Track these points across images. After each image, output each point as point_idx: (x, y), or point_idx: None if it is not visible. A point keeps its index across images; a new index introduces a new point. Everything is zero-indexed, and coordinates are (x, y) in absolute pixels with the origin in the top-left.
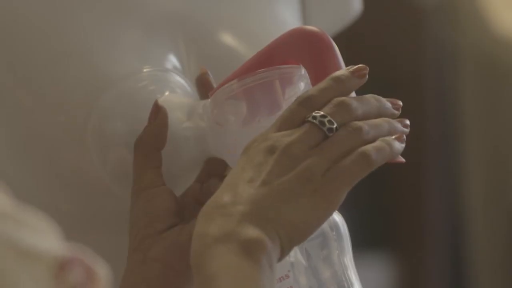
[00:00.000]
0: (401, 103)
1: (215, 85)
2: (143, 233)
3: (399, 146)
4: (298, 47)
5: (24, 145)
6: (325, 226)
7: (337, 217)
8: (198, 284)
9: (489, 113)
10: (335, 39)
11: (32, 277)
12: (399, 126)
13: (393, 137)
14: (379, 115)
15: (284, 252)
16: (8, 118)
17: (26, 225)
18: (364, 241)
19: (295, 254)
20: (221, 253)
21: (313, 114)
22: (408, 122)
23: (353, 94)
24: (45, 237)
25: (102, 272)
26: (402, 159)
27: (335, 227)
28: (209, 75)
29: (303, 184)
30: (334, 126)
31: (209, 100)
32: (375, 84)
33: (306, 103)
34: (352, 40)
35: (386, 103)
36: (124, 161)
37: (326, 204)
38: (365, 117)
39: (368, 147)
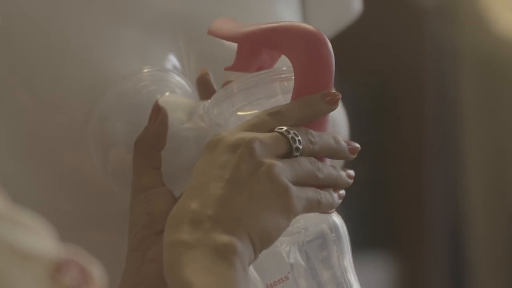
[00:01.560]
0: (358, 146)
1: (215, 85)
2: (142, 233)
3: (337, 202)
4: (293, 41)
5: (24, 145)
6: (324, 227)
7: (336, 219)
8: None
9: (489, 113)
10: (335, 38)
11: (28, 278)
12: (343, 174)
13: (336, 193)
14: (333, 153)
15: (256, 254)
16: (8, 118)
17: (21, 226)
18: (364, 241)
19: (295, 256)
20: (194, 259)
21: (286, 128)
22: (353, 173)
23: (340, 112)
24: (40, 239)
25: (97, 273)
26: (332, 212)
27: (334, 228)
28: (209, 75)
29: (271, 184)
30: (301, 148)
31: (210, 101)
32: (375, 84)
33: (276, 115)
34: (352, 40)
35: (343, 145)
36: (124, 161)
37: (290, 210)
38: (321, 151)
39: (321, 191)
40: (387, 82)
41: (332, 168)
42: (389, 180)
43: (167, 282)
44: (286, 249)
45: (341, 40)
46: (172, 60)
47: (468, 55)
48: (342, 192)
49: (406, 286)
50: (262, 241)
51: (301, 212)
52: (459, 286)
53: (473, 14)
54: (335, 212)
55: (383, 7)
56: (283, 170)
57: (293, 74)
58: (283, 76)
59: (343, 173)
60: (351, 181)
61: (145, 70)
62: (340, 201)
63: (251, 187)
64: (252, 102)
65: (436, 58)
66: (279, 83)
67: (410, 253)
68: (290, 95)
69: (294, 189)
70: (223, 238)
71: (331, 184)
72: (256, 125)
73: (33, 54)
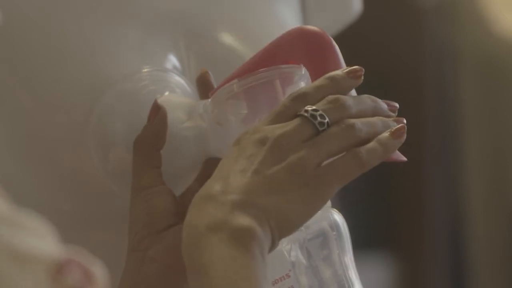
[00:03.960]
0: (397, 105)
1: (215, 85)
2: (142, 233)
3: (394, 143)
4: (298, 47)
5: (24, 145)
6: (325, 225)
7: (337, 216)
8: (190, 274)
9: (489, 113)
10: (335, 39)
11: (30, 280)
12: (394, 125)
13: (388, 132)
14: (374, 115)
15: (274, 243)
16: (8, 118)
17: (22, 228)
18: (364, 241)
19: (296, 254)
20: (213, 243)
21: (305, 108)
22: (405, 121)
23: (354, 94)
24: (42, 240)
25: (100, 273)
26: (403, 158)
27: (335, 226)
28: (209, 75)
29: (294, 176)
30: (326, 121)
31: (210, 100)
32: (375, 84)
33: (300, 98)
34: (352, 40)
35: (382, 104)
36: (124, 161)
37: (315, 198)
38: (360, 116)
39: (361, 148)
40: (387, 82)
41: (379, 120)
42: (389, 180)
43: (184, 263)
44: (287, 247)
45: (341, 40)
46: (172, 60)
47: (468, 55)
48: (399, 128)
49: (406, 286)
50: (282, 230)
51: (335, 191)
52: (459, 286)
53: (473, 14)
54: (336, 210)
55: (383, 7)
56: (308, 158)
57: (293, 70)
58: (283, 73)
59: (393, 124)
60: (403, 123)
61: (145, 70)
62: (401, 140)
63: (274, 179)
64: (253, 103)
65: (436, 58)
66: (279, 81)
67: (410, 253)
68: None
69: (318, 178)
70: (241, 221)
71: (380, 131)
72: (280, 114)
73: (33, 54)
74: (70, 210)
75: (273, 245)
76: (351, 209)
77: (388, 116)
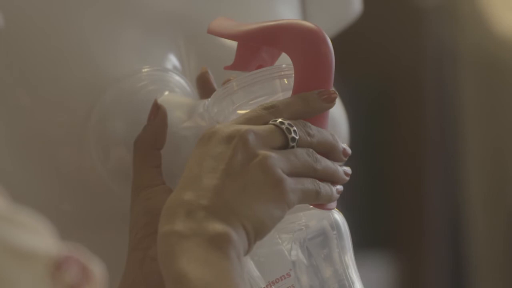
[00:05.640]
0: (350, 151)
1: (215, 84)
2: (142, 232)
3: (336, 196)
4: (293, 40)
5: (24, 144)
6: (326, 225)
7: (338, 216)
8: (168, 282)
9: (489, 113)
10: (335, 38)
11: (29, 277)
12: (341, 170)
13: (335, 188)
14: (330, 151)
15: (250, 245)
16: (8, 118)
17: (21, 225)
18: (364, 241)
19: (297, 253)
20: (189, 248)
21: (281, 120)
22: (349, 171)
23: (340, 112)
24: (40, 237)
25: (98, 270)
26: (333, 207)
27: (336, 225)
28: (209, 74)
29: (266, 175)
30: (297, 139)
31: (210, 98)
32: (375, 84)
33: (271, 109)
34: (352, 40)
35: (340, 145)
36: (124, 160)
37: (284, 203)
38: (319, 145)
39: (319, 182)
40: (387, 82)
41: (330, 162)
42: (389, 180)
43: (162, 273)
44: (287, 246)
45: (341, 40)
46: (172, 60)
47: (468, 55)
48: (340, 187)
49: (406, 286)
50: (256, 231)
51: (297, 203)
52: (459, 286)
53: (473, 14)
54: (336, 209)
55: (383, 7)
56: (278, 161)
57: (293, 71)
58: (283, 73)
59: (340, 169)
60: (347, 178)
61: (145, 70)
62: (338, 196)
63: (245, 178)
64: (252, 100)
65: (436, 58)
66: (279, 80)
67: (410, 253)
68: (290, 93)
69: (288, 181)
70: (216, 227)
71: (329, 178)
72: (251, 119)
73: (33, 53)
74: (70, 210)
75: (249, 247)
76: (351, 209)
77: (340, 159)
